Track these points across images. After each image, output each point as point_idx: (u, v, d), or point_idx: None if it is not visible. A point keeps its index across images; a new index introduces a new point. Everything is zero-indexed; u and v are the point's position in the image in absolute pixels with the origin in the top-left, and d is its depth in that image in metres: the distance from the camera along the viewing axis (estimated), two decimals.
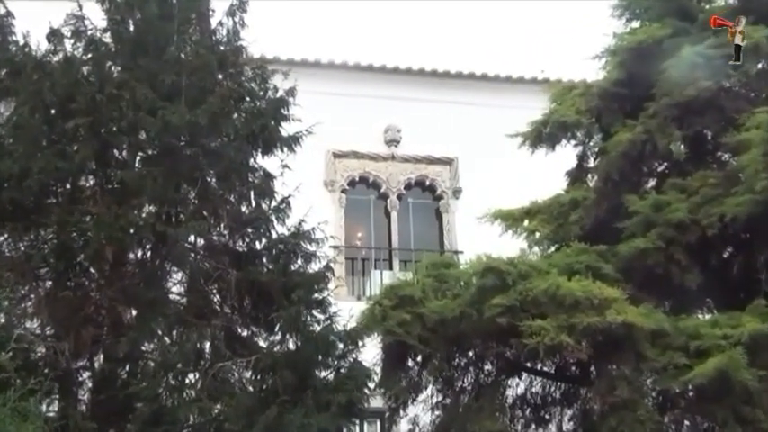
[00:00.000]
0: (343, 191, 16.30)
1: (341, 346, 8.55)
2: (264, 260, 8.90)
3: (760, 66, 10.29)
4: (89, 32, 8.87)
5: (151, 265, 8.60)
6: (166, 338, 8.34)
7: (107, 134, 8.51)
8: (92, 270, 8.44)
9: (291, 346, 8.46)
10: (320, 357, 8.39)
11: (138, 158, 8.86)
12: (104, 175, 8.59)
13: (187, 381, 8.03)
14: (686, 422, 9.16)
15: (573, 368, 10.24)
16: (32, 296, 8.12)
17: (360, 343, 8.67)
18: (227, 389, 8.03)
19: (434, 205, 16.82)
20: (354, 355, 8.62)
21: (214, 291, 8.76)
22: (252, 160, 9.14)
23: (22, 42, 8.77)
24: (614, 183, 10.44)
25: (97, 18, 8.99)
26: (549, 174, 11.93)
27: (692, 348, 8.62)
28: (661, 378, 8.75)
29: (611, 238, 9.94)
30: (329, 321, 8.55)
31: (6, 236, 8.24)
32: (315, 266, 8.87)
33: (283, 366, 8.06)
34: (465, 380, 10.28)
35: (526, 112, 11.84)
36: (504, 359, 9.95)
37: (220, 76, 9.09)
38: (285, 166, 9.07)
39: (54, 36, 8.77)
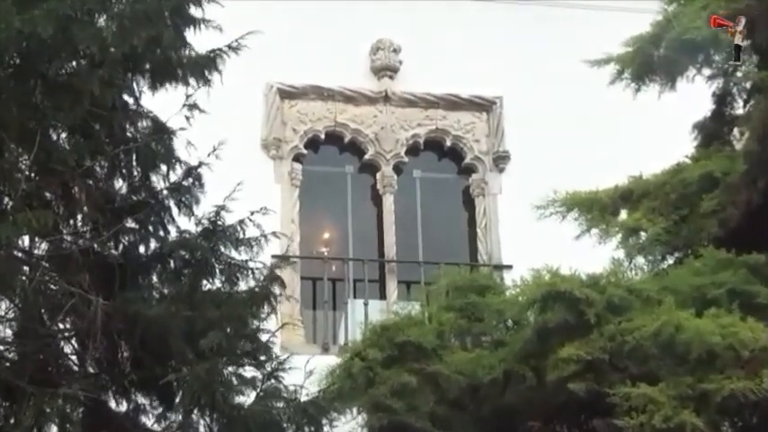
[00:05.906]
0: (298, 157, 16.30)
1: (291, 430, 8.60)
2: (155, 279, 8.98)
3: None
4: None
5: None
6: None
7: None
8: None
9: (203, 431, 8.51)
10: None
11: None
12: None
13: None
14: None
15: None
16: None
17: (326, 426, 8.76)
18: None
19: (461, 183, 16.89)
20: None
21: (66, 333, 8.79)
22: (133, 100, 9.17)
23: None
24: None
25: None
26: (662, 128, 11.94)
27: None
28: None
29: None
30: (270, 385, 8.63)
31: None
32: (244, 286, 8.96)
33: None
34: None
35: (622, 22, 11.97)
36: None
37: None
38: (194, 107, 9.13)
39: None
